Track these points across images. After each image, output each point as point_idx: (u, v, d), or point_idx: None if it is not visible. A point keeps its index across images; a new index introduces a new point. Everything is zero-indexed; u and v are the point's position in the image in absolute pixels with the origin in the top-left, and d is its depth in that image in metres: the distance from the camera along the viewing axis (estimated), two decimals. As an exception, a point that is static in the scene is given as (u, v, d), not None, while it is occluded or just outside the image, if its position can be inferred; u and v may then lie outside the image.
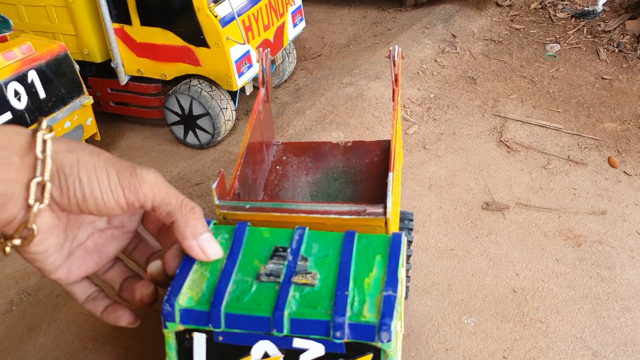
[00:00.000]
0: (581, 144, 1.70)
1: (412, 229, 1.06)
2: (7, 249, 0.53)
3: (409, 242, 1.05)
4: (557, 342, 1.11)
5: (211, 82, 1.79)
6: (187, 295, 0.55)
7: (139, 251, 0.66)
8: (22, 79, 1.45)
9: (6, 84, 1.41)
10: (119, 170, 0.56)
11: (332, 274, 0.57)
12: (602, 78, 2.07)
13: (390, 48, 0.96)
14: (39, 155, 0.50)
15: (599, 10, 2.52)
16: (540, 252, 1.32)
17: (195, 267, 0.58)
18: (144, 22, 1.72)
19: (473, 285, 1.24)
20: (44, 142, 0.51)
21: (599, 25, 2.44)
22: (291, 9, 2.05)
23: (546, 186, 1.53)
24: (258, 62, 1.02)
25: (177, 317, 0.55)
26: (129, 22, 1.73)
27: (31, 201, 0.51)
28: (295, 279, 0.56)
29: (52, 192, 0.52)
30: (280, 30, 1.99)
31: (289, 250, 0.59)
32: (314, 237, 0.62)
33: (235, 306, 0.54)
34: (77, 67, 1.62)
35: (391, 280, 0.55)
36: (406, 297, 1.14)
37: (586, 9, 2.55)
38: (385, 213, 0.69)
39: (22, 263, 1.37)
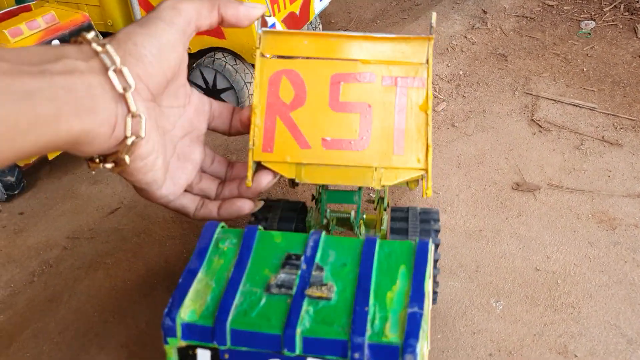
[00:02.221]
0: (616, 124, 1.65)
1: (438, 231, 0.98)
2: (127, 158, 0.54)
3: (436, 246, 0.96)
4: (590, 328, 1.07)
5: (235, 56, 1.75)
6: (190, 308, 0.51)
7: (217, 162, 0.70)
8: (45, 48, 1.43)
9: (29, 53, 1.39)
10: (157, 15, 0.58)
11: (351, 286, 0.52)
12: (639, 57, 2.00)
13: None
14: (98, 48, 0.52)
15: (637, -13, 2.43)
16: (573, 235, 1.28)
17: (199, 275, 0.54)
18: (169, -7, 1.69)
19: (502, 268, 1.20)
20: (93, 38, 0.53)
21: (637, 1, 2.35)
22: (318, -19, 2.00)
23: (579, 167, 1.48)
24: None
25: (179, 332, 0.51)
26: (153, -8, 1.70)
27: (120, 89, 0.52)
28: (309, 291, 0.52)
29: (136, 72, 0.54)
30: (307, 4, 1.94)
31: (302, 258, 0.55)
32: (330, 243, 0.57)
33: (242, 321, 0.50)
34: (101, 37, 1.60)
35: (417, 295, 0.51)
36: (434, 303, 1.07)
37: (623, -15, 2.46)
38: (431, 32, 0.63)
39: (44, 234, 1.36)
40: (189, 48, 1.77)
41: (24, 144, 0.44)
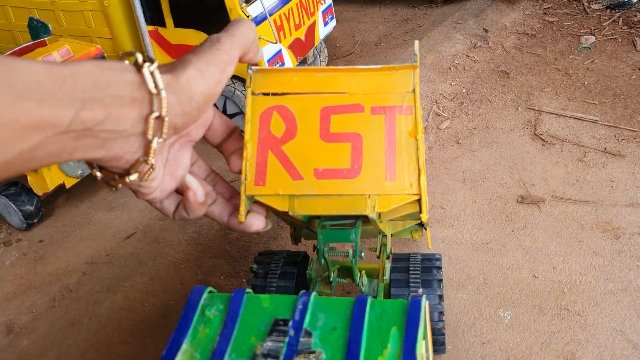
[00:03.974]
0: (618, 136, 1.68)
1: (441, 280, 0.97)
2: (120, 186, 0.51)
3: (439, 297, 0.95)
4: (596, 335, 1.10)
5: (244, 82, 1.81)
6: None
7: (198, 166, 0.69)
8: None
9: (46, 86, 1.44)
10: (206, 49, 0.54)
11: (340, 353, 0.49)
12: (639, 69, 2.03)
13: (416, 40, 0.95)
14: (153, 90, 0.48)
15: (635, 1, 2.47)
16: (578, 245, 1.31)
17: (184, 347, 0.52)
18: (178, 24, 1.75)
19: (509, 279, 1.23)
20: (152, 74, 0.48)
21: (635, 15, 2.39)
22: (322, 7, 2.06)
23: (582, 179, 1.51)
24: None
25: None
26: (163, 24, 1.76)
27: (149, 136, 0.49)
28: None
29: (175, 122, 0.51)
30: (312, 29, 2.00)
31: (290, 323, 0.52)
32: (320, 305, 0.54)
33: None
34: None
35: (408, 359, 0.48)
36: (443, 351, 1.04)
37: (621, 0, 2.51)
38: (415, 60, 0.62)
39: (64, 261, 1.40)
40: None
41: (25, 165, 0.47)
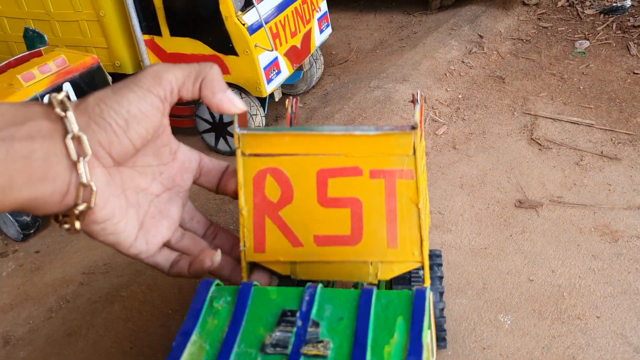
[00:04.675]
0: (614, 139, 1.68)
1: (442, 277, 0.97)
2: (77, 224, 0.52)
3: (440, 294, 0.95)
4: (597, 339, 1.09)
5: (241, 90, 1.81)
6: None
7: (196, 221, 0.68)
8: (57, 91, 1.48)
9: (42, 96, 1.45)
10: (135, 81, 0.55)
11: (347, 342, 0.50)
12: (634, 73, 2.04)
13: (413, 92, 0.93)
14: (60, 113, 0.50)
15: (628, 6, 2.49)
16: (576, 248, 1.31)
17: (193, 338, 0.52)
18: (174, 33, 1.75)
19: (508, 283, 1.23)
20: (61, 102, 0.51)
21: (628, 20, 2.40)
22: (317, 15, 2.06)
23: (580, 182, 1.51)
24: (287, 107, 0.99)
25: None
26: (158, 33, 1.76)
27: (74, 157, 0.50)
28: (305, 349, 0.49)
29: (97, 139, 0.51)
30: (307, 37, 2.00)
31: (298, 313, 0.53)
32: (326, 296, 0.55)
33: None
34: (110, 78, 1.65)
35: (415, 348, 0.49)
36: (443, 347, 1.05)
37: (615, 4, 2.52)
38: (414, 127, 0.59)
39: (60, 271, 1.40)
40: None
41: None
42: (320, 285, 0.56)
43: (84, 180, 0.51)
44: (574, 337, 1.10)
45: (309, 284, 0.57)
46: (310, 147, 0.62)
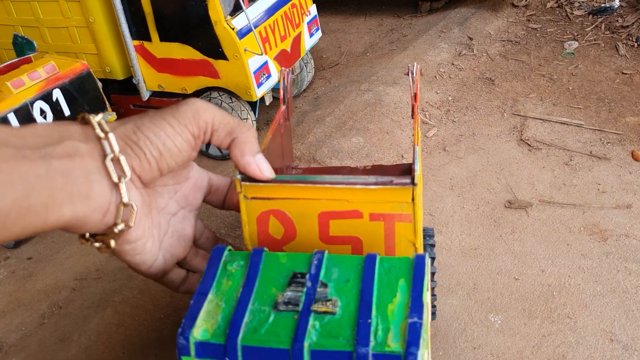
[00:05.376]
0: (603, 139, 1.69)
1: (434, 245, 1.02)
2: (112, 243, 0.54)
3: (432, 259, 0.99)
4: (586, 337, 1.10)
5: (231, 94, 1.81)
6: (202, 328, 0.53)
7: (206, 238, 0.69)
8: (47, 97, 1.49)
9: (32, 102, 1.45)
10: (174, 114, 0.56)
11: (354, 301, 0.53)
12: (622, 73, 2.06)
13: (409, 64, 0.95)
14: (100, 134, 0.51)
15: (616, 6, 2.51)
16: (566, 248, 1.31)
17: (210, 296, 0.55)
18: (163, 38, 1.76)
19: (499, 283, 1.24)
20: (99, 123, 0.52)
21: (617, 20, 2.42)
22: (307, 19, 2.07)
23: (569, 182, 1.53)
24: (279, 80, 1.00)
25: (193, 351, 0.52)
26: (148, 38, 1.77)
27: (115, 178, 0.51)
28: (314, 307, 0.53)
29: (131, 164, 0.53)
30: (297, 41, 2.01)
31: (307, 276, 0.56)
32: (333, 261, 0.58)
33: (252, 338, 0.51)
34: (100, 84, 1.66)
35: (416, 306, 0.52)
36: (433, 318, 1.10)
37: (603, 5, 2.54)
38: (413, 182, 0.62)
39: (53, 277, 1.40)
40: (185, 89, 1.83)
41: (9, 233, 0.46)
42: (327, 251, 0.59)
43: (125, 199, 0.52)
44: (564, 335, 1.11)
45: (316, 249, 0.59)
46: (312, 194, 0.64)
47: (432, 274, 0.99)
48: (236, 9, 1.73)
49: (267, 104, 1.93)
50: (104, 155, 0.51)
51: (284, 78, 1.04)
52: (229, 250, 0.60)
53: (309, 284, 0.55)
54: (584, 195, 1.48)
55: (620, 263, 1.26)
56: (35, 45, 1.62)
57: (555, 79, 2.07)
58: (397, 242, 0.64)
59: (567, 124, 1.78)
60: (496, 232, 1.38)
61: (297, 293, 0.54)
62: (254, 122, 1.87)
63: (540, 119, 1.82)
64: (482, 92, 2.02)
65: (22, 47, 1.63)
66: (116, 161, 0.52)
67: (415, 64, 0.80)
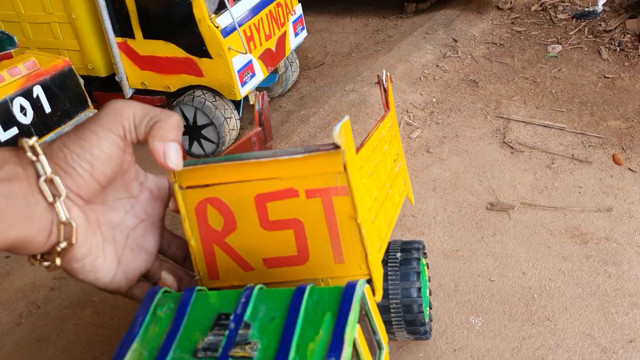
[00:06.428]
0: (585, 143, 1.70)
1: (419, 273, 0.98)
2: (58, 261, 0.54)
3: (418, 289, 0.96)
4: (566, 340, 1.11)
5: (215, 92, 1.80)
6: None
7: (175, 247, 0.68)
8: (27, 94, 1.47)
9: (12, 99, 1.43)
10: (96, 120, 0.55)
11: (275, 341, 0.50)
12: (605, 77, 2.07)
13: (378, 74, 0.94)
14: (32, 157, 0.52)
15: (600, 11, 2.53)
16: (547, 250, 1.32)
17: (134, 345, 0.53)
18: (147, 36, 1.74)
19: (480, 286, 1.24)
20: (31, 146, 0.52)
21: (600, 25, 2.44)
22: (292, 18, 2.06)
23: (551, 185, 1.53)
24: (253, 104, 0.99)
25: None
26: (131, 35, 1.75)
27: (50, 198, 0.51)
28: (232, 352, 0.50)
29: (65, 182, 0.53)
30: (282, 40, 2.00)
31: (232, 316, 0.53)
32: (262, 297, 0.55)
33: None
34: (82, 81, 1.64)
35: (336, 344, 0.48)
36: (427, 338, 1.05)
37: (586, 9, 2.56)
38: (336, 146, 0.58)
39: (31, 276, 1.38)
40: (168, 87, 1.82)
41: None
42: (258, 286, 0.56)
43: (63, 218, 0.52)
44: (544, 338, 1.12)
45: (248, 285, 0.56)
46: (245, 174, 0.62)
47: (419, 305, 0.97)
48: (220, 8, 1.72)
49: (252, 102, 1.92)
50: (39, 177, 0.52)
51: (259, 101, 1.04)
52: (164, 292, 0.58)
53: (232, 325, 0.52)
54: (565, 198, 1.48)
55: (600, 266, 1.27)
56: (16, 40, 1.60)
57: (539, 82, 2.08)
58: (339, 221, 0.61)
59: (550, 127, 1.80)
60: (478, 234, 1.38)
61: (219, 337, 0.51)
62: (238, 121, 1.86)
63: (523, 122, 1.83)
64: (466, 94, 2.03)
65: (3, 42, 1.61)
66: (50, 182, 0.52)
67: (384, 71, 0.78)
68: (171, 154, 0.57)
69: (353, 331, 0.50)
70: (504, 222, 1.41)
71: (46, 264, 0.54)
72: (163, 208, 0.66)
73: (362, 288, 0.54)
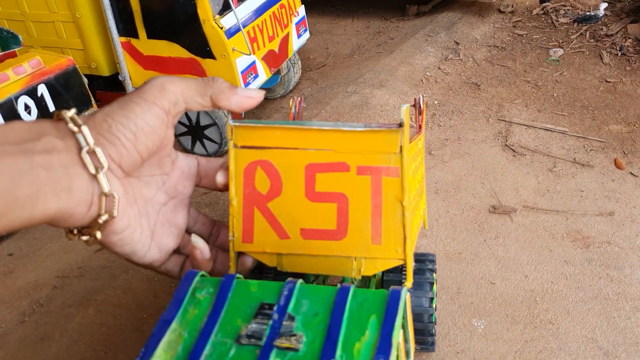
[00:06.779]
0: (587, 147, 1.71)
1: (432, 283, 0.99)
2: (98, 234, 0.54)
3: (430, 299, 0.97)
4: (568, 343, 1.11)
5: (217, 93, 1.80)
6: (161, 358, 0.50)
7: (201, 223, 0.69)
8: (32, 92, 1.47)
9: (16, 98, 1.43)
10: (140, 94, 0.56)
11: (320, 337, 0.50)
12: (606, 81, 2.08)
13: (415, 97, 0.96)
14: (74, 128, 0.52)
15: (601, 15, 2.54)
16: (549, 254, 1.33)
17: (173, 325, 0.53)
18: (151, 35, 1.75)
19: (482, 288, 1.24)
20: (71, 117, 0.52)
21: (601, 29, 2.45)
22: (295, 20, 2.07)
23: (553, 189, 1.54)
24: (290, 108, 1.01)
25: None
26: (135, 35, 1.75)
27: (92, 170, 0.52)
28: (277, 342, 0.50)
29: (108, 153, 0.53)
30: (285, 41, 2.01)
31: (275, 307, 0.53)
32: (305, 292, 0.56)
33: None
34: (85, 80, 1.64)
35: (384, 346, 0.49)
36: (432, 350, 1.06)
37: (588, 13, 2.57)
38: (401, 125, 0.59)
39: (34, 274, 1.38)
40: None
41: None
42: (300, 281, 0.57)
43: (106, 189, 0.52)
44: (546, 341, 1.12)
45: (289, 279, 0.57)
46: (300, 142, 0.63)
47: (430, 315, 0.97)
48: (225, 8, 1.73)
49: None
50: (80, 149, 0.52)
51: (295, 105, 1.04)
52: (201, 275, 0.58)
53: (275, 316, 0.53)
54: (567, 201, 1.49)
55: (602, 270, 1.27)
56: (21, 39, 1.60)
57: (540, 85, 2.09)
58: (385, 201, 0.62)
59: (552, 131, 1.80)
60: (480, 237, 1.39)
61: (262, 326, 0.52)
62: (240, 122, 1.86)
63: (525, 125, 1.84)
64: (468, 97, 2.03)
65: (7, 41, 1.61)
66: (92, 153, 0.52)
67: (421, 95, 0.80)
68: (251, 92, 0.61)
69: (398, 335, 0.51)
70: (506, 225, 1.42)
71: (85, 238, 0.55)
72: (192, 186, 0.67)
73: (405, 295, 0.55)
